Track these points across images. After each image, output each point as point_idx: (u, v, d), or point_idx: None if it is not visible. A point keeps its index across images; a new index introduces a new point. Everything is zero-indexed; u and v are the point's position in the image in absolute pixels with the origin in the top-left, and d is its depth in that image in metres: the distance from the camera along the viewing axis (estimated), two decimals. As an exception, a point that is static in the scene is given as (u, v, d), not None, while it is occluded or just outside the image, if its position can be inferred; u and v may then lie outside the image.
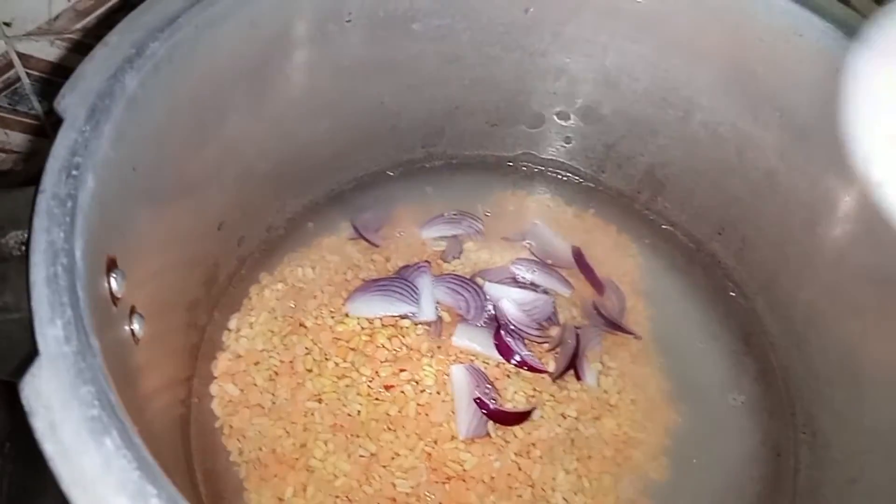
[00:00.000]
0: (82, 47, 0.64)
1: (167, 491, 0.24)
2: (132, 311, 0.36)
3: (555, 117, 0.61)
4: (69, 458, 0.24)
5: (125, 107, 0.35)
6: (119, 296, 0.34)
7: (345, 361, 0.51)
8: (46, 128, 0.71)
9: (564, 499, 0.48)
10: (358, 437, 0.49)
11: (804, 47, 0.47)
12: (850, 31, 0.45)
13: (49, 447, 0.24)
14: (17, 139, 0.71)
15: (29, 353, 0.27)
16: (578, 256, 0.60)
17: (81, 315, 0.28)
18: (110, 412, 0.25)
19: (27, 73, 0.66)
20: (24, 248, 0.31)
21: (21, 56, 0.64)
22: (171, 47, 0.38)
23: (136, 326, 0.36)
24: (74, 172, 0.31)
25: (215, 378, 0.50)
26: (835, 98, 0.47)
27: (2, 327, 0.29)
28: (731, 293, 0.59)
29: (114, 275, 0.33)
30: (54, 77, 0.66)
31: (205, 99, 0.43)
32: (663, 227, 0.63)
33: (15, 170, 0.72)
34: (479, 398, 0.50)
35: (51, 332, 0.27)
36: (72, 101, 0.34)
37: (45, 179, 0.31)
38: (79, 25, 0.62)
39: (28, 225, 0.30)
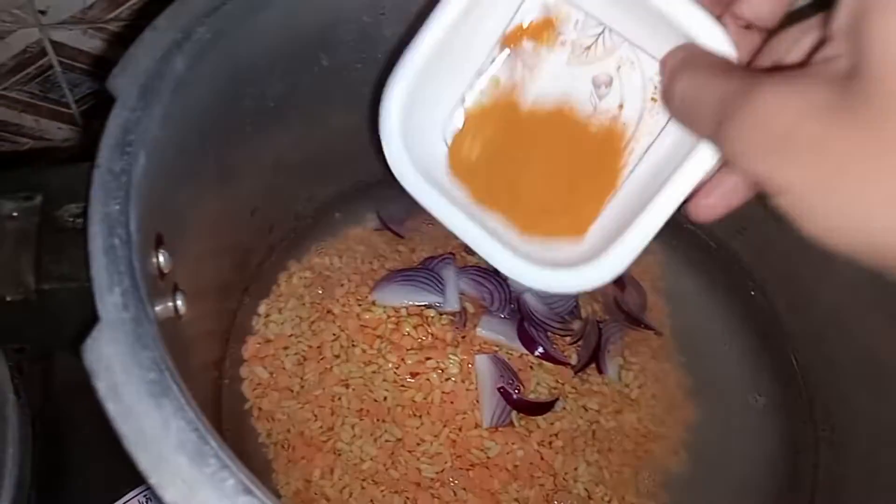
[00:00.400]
0: (115, 37, 0.65)
1: (224, 451, 0.25)
2: (175, 287, 0.37)
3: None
4: (131, 419, 0.25)
5: (173, 88, 0.36)
6: (166, 271, 0.35)
7: (371, 348, 0.52)
8: (76, 116, 0.72)
9: (585, 489, 0.49)
10: (384, 422, 0.49)
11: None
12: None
13: (112, 407, 0.25)
14: (47, 126, 0.72)
15: (88, 320, 0.27)
16: (600, 253, 0.61)
17: (138, 284, 0.28)
18: (168, 376, 0.26)
19: (60, 62, 0.67)
20: (78, 220, 0.32)
21: (54, 44, 0.65)
22: (216, 33, 0.39)
23: (179, 303, 0.37)
24: (128, 149, 0.32)
25: (245, 361, 0.51)
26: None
27: (60, 295, 0.30)
28: (751, 291, 0.60)
29: (162, 250, 0.34)
30: (86, 66, 0.68)
31: (244, 85, 0.44)
32: (684, 224, 0.63)
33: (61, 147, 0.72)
34: (502, 387, 0.51)
35: (110, 299, 0.28)
36: (124, 81, 0.35)
37: (100, 154, 0.32)
38: (112, 15, 0.63)
39: (85, 198, 0.31)
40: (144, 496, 0.49)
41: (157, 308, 0.32)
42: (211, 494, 0.24)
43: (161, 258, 0.34)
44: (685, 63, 0.31)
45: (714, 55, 0.31)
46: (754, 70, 0.32)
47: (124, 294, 0.28)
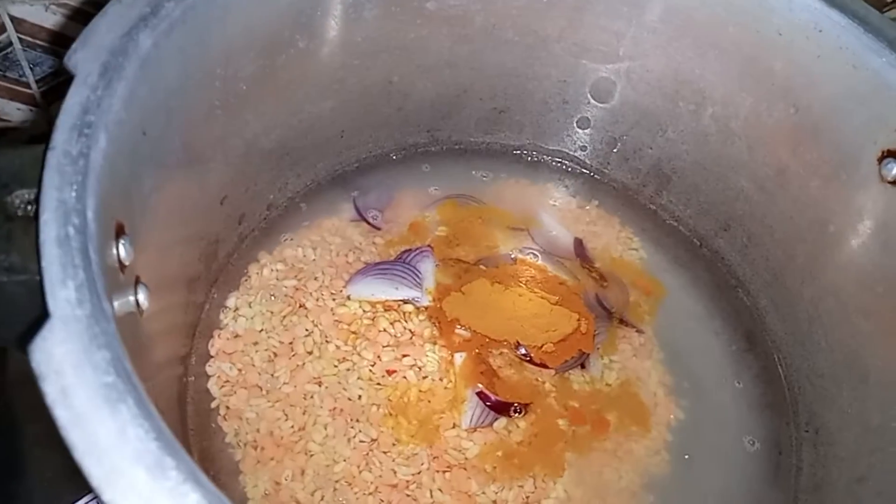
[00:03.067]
0: (79, 14, 0.62)
1: (185, 463, 0.23)
2: (137, 280, 0.35)
3: (564, 106, 0.60)
4: (82, 426, 0.23)
5: (138, 66, 0.34)
6: (126, 263, 0.32)
7: (346, 344, 0.50)
8: (37, 97, 0.69)
9: (565, 490, 0.48)
10: (358, 421, 0.47)
11: (823, 43, 0.47)
12: (871, 27, 0.45)
13: (61, 413, 0.23)
14: (5, 107, 0.68)
15: (38, 317, 0.25)
16: (579, 248, 0.59)
17: (94, 278, 0.26)
18: (126, 379, 0.24)
19: (20, 39, 0.63)
20: (30, 207, 0.29)
21: (14, 20, 0.61)
22: (186, 9, 0.37)
23: (141, 297, 0.34)
24: (87, 131, 0.30)
25: (212, 357, 0.49)
26: (852, 95, 0.47)
27: (7, 289, 0.28)
28: (735, 290, 0.59)
29: (122, 241, 0.32)
30: (48, 44, 0.64)
31: (215, 66, 0.42)
32: (667, 221, 0.62)
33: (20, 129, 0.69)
34: (481, 391, 0.49)
35: (62, 294, 0.25)
36: (83, 57, 0.32)
37: (56, 136, 0.29)
38: (76, -9, 0.60)
39: (38, 183, 0.28)
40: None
41: (117, 303, 0.30)
42: (171, 510, 0.22)
43: (121, 249, 0.32)
44: None
45: None
46: None
47: (79, 288, 0.25)
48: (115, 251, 0.31)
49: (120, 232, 0.32)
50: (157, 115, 0.36)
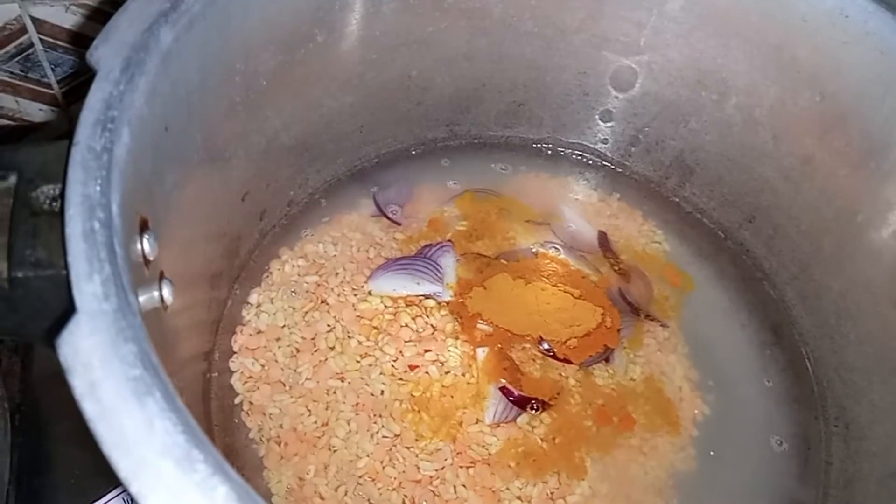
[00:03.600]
0: (99, 14, 0.62)
1: (213, 456, 0.23)
2: (161, 276, 0.35)
3: (584, 98, 0.60)
4: (110, 419, 0.23)
5: (160, 62, 0.33)
6: (151, 258, 0.32)
7: (368, 340, 0.50)
8: (59, 97, 0.69)
9: (590, 487, 0.47)
10: (381, 417, 0.47)
11: (849, 28, 0.46)
12: (899, 12, 0.44)
13: (89, 407, 0.23)
14: (28, 107, 0.69)
15: (65, 311, 0.25)
16: (603, 241, 0.59)
17: (120, 272, 0.26)
18: (153, 373, 0.24)
19: (41, 40, 0.64)
20: (55, 203, 0.29)
21: (35, 21, 0.62)
22: (206, 4, 0.37)
23: (165, 292, 0.34)
24: (110, 126, 0.30)
25: (235, 353, 0.49)
26: (880, 81, 0.46)
27: (34, 284, 0.28)
28: (761, 282, 0.58)
29: (146, 235, 0.32)
30: (68, 44, 0.65)
31: (235, 61, 0.42)
32: (691, 213, 0.61)
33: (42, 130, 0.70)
34: (503, 386, 0.49)
35: (89, 288, 0.25)
36: (105, 53, 0.32)
37: (79, 131, 0.29)
38: (96, -9, 0.60)
39: (62, 179, 0.28)
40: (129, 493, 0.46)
41: (141, 298, 0.30)
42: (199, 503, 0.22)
43: (146, 244, 0.32)
44: None
45: None
46: None
47: (104, 283, 0.25)
48: (139, 246, 0.31)
49: (144, 227, 0.32)
50: (179, 110, 0.36)
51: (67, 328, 0.24)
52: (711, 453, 0.50)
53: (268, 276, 0.52)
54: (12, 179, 0.30)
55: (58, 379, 0.24)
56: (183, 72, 0.36)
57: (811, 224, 0.53)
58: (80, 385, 0.23)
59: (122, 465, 0.22)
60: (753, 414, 0.52)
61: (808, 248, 0.54)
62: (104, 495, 0.48)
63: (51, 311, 0.27)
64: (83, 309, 0.25)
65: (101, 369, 0.24)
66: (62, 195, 0.28)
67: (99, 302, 0.25)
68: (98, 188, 0.28)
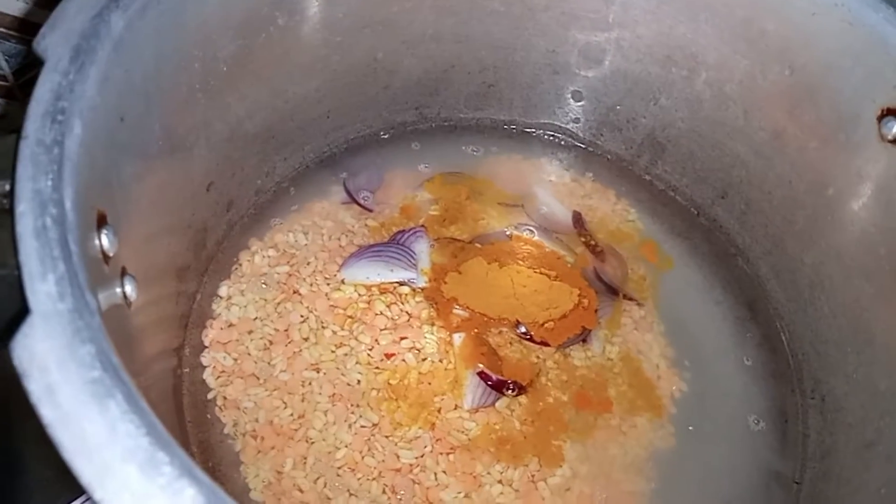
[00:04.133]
0: (51, 2, 0.60)
1: (179, 458, 0.22)
2: (123, 272, 0.33)
3: (554, 77, 0.59)
4: (70, 424, 0.22)
5: (111, 49, 0.32)
6: (110, 254, 0.31)
7: (342, 329, 0.49)
8: (14, 89, 0.67)
9: (570, 468, 0.47)
10: (358, 406, 0.46)
11: (818, 0, 0.45)
12: (867, -17, 0.44)
13: (46, 412, 0.22)
14: (-18, 101, 0.67)
15: (18, 312, 0.24)
16: (578, 221, 0.58)
17: (75, 270, 0.25)
18: (113, 374, 0.23)
19: (-8, 30, 0.61)
20: (6, 200, 0.28)
21: (-16, 10, 0.59)
22: (159, -13, 0.35)
23: (128, 289, 0.33)
24: (60, 118, 0.29)
25: (207, 347, 0.48)
26: (849, 52, 0.46)
27: (-14, 284, 0.27)
28: (734, 258, 0.58)
29: (104, 231, 0.31)
30: (21, 34, 0.62)
31: (192, 47, 0.41)
32: (663, 191, 0.61)
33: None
34: (481, 371, 0.48)
35: (42, 288, 0.24)
36: (53, 41, 0.31)
37: (27, 125, 0.28)
38: (47, -22, 0.58)
39: (11, 174, 0.27)
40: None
41: (102, 296, 0.29)
42: (166, 508, 0.21)
43: (104, 239, 0.30)
44: None
45: None
46: None
47: (59, 282, 0.24)
48: (97, 242, 0.30)
49: (102, 222, 0.31)
50: (135, 99, 0.35)
51: (21, 330, 0.23)
52: (690, 429, 0.50)
53: (237, 268, 0.51)
54: (-41, 176, 0.29)
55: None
56: (137, 59, 0.35)
57: (783, 198, 0.53)
58: (36, 389, 0.22)
59: (85, 471, 0.21)
60: (730, 389, 0.52)
61: (781, 223, 0.54)
62: (81, 495, 0.46)
63: (5, 313, 0.26)
64: (37, 310, 0.24)
65: (58, 372, 0.23)
66: (12, 191, 0.27)
67: (54, 302, 0.24)
68: (49, 183, 0.27)
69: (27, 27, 0.62)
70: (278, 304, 0.50)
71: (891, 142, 0.44)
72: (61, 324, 0.23)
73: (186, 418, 0.45)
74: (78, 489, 0.46)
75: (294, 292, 0.50)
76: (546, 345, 0.51)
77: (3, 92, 0.67)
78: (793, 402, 0.52)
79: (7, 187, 0.29)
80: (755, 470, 0.49)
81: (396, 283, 0.52)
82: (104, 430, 0.22)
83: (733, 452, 0.50)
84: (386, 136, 0.60)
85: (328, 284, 0.51)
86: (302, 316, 0.49)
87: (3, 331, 0.25)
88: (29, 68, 0.66)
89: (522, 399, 0.48)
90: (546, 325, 0.51)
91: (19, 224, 0.25)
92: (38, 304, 0.24)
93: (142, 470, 0.21)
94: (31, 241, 0.25)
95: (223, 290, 0.50)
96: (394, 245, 0.53)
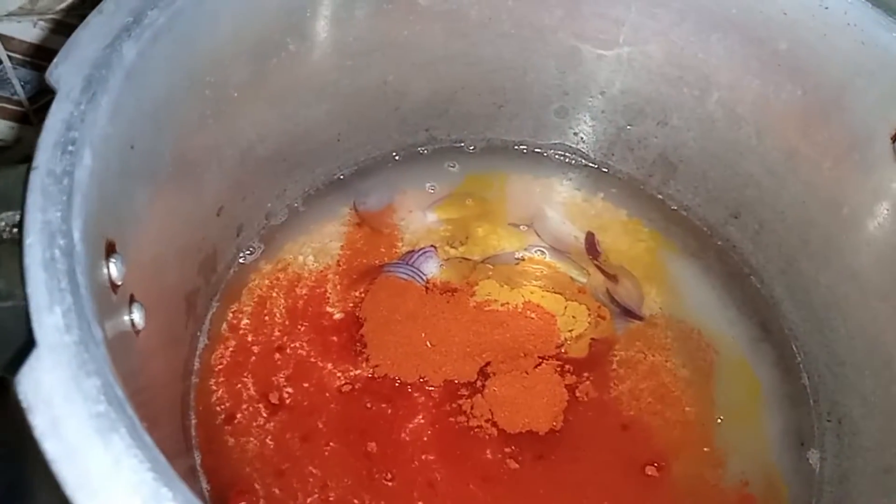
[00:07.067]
0: (68, 29, 0.61)
1: (183, 494, 0.22)
2: (132, 299, 0.34)
3: (564, 98, 0.59)
4: (74, 459, 0.22)
5: (123, 78, 0.32)
6: (118, 283, 0.31)
7: (353, 352, 0.49)
8: (30, 115, 0.68)
9: (583, 493, 0.46)
10: (370, 431, 0.46)
11: (830, 20, 0.45)
12: (878, 1, 0.44)
13: (50, 446, 0.22)
14: (-2, 126, 0.68)
15: (25, 345, 0.24)
16: (590, 242, 0.58)
17: (82, 302, 0.25)
18: (118, 407, 0.23)
19: (9, 56, 0.62)
20: (16, 230, 0.28)
21: (2, 38, 0.60)
22: (171, 16, 0.36)
23: (136, 316, 0.33)
24: (70, 148, 0.29)
25: (217, 370, 0.48)
26: (862, 72, 0.45)
27: (-3, 316, 0.27)
28: (748, 278, 0.57)
29: (113, 259, 0.31)
30: (38, 60, 0.63)
31: (204, 74, 0.41)
32: (676, 210, 0.61)
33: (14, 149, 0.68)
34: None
35: (49, 320, 0.24)
36: (66, 71, 0.31)
37: (38, 155, 0.28)
38: (63, 5, 0.59)
39: (21, 204, 0.27)
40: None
41: (109, 325, 0.29)
42: (170, 544, 0.21)
43: (113, 268, 0.31)
44: None
45: None
46: None
47: (66, 314, 0.24)
48: (105, 271, 0.30)
49: (111, 251, 0.31)
50: (146, 127, 0.35)
51: (27, 363, 0.23)
52: (704, 453, 0.49)
53: (247, 291, 0.51)
54: (-30, 206, 0.29)
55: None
56: (149, 87, 0.35)
57: (797, 218, 0.53)
58: (41, 423, 0.22)
59: (88, 506, 0.21)
60: (745, 411, 0.52)
61: (795, 243, 0.53)
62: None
63: (13, 345, 0.26)
64: (43, 342, 0.24)
65: (64, 406, 0.22)
66: (21, 222, 0.27)
67: (60, 334, 0.24)
68: (59, 214, 0.27)
69: (43, 53, 0.63)
70: (289, 326, 0.50)
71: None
72: (67, 357, 0.23)
73: (195, 442, 0.45)
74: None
75: (305, 314, 0.50)
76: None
77: (19, 117, 0.68)
78: (808, 425, 0.51)
79: (17, 218, 0.29)
80: (772, 496, 0.48)
81: (407, 305, 0.51)
82: (108, 464, 0.22)
83: (748, 476, 0.49)
84: (396, 158, 0.60)
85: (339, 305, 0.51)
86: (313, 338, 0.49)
87: (10, 363, 0.25)
88: (44, 94, 0.67)
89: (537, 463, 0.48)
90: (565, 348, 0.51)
91: (28, 256, 0.25)
92: (44, 337, 0.24)
93: (146, 505, 0.21)
94: (40, 272, 0.25)
95: (233, 313, 0.50)
96: (404, 265, 0.54)
